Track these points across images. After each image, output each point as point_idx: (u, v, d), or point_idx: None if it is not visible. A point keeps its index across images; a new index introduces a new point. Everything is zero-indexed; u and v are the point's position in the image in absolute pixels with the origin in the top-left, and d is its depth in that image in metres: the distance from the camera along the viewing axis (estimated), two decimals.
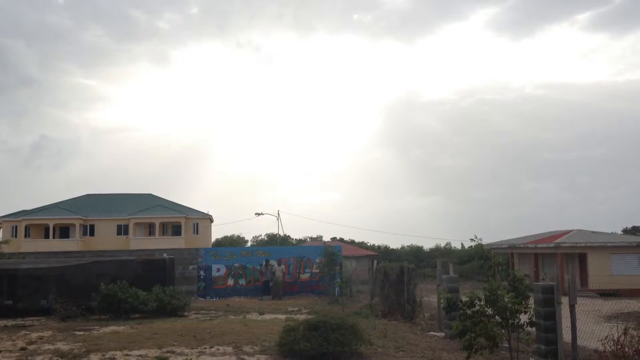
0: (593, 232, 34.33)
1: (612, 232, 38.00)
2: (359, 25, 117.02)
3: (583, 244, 30.87)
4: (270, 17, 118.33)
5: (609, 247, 30.86)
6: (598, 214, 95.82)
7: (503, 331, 8.42)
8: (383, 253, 60.87)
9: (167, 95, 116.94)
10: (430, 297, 18.60)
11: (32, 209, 53.02)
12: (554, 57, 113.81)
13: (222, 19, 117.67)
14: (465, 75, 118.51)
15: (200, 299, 25.66)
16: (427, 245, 70.35)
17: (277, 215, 54.47)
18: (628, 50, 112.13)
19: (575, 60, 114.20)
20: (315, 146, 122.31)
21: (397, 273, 18.42)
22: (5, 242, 36.78)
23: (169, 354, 10.91)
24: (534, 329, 9.01)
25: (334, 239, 68.71)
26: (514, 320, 8.33)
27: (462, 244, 64.22)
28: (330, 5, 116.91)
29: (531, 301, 8.79)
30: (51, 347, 12.12)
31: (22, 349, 11.88)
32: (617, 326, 8.73)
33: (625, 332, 8.00)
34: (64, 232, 52.62)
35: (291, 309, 20.76)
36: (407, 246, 69.03)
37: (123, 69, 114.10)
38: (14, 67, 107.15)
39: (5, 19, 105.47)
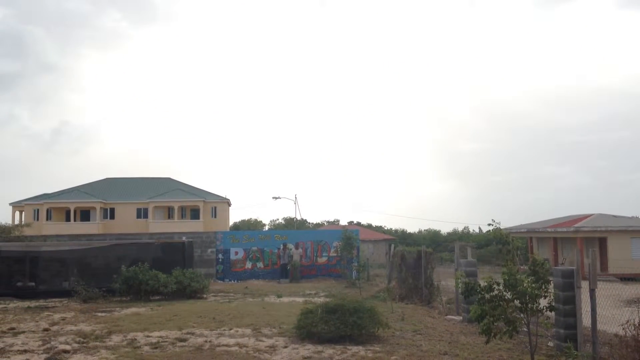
0: (614, 216, 33.91)
1: (633, 216, 37.49)
2: (384, 3, 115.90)
3: (603, 228, 30.54)
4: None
5: (630, 231, 30.49)
6: (619, 198, 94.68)
7: (522, 315, 8.38)
8: (400, 237, 60.86)
9: (186, 78, 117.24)
10: (448, 281, 18.57)
11: (54, 193, 53.72)
12: (575, 40, 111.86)
13: (239, 2, 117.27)
14: (485, 59, 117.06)
15: (219, 281, 25.92)
16: (445, 229, 70.20)
17: (294, 199, 54.64)
18: None
19: (598, 42, 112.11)
20: (333, 130, 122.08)
21: (414, 257, 18.41)
22: (27, 225, 37.47)
23: (189, 335, 11.05)
24: (553, 313, 8.96)
25: (351, 222, 68.81)
26: (533, 304, 8.28)
27: (480, 228, 63.95)
28: None
29: (551, 286, 8.72)
30: (74, 328, 12.34)
31: (45, 329, 12.11)
32: (638, 311, 8.64)
33: None
34: (84, 215, 53.36)
35: (309, 292, 20.88)
36: (424, 230, 68.98)
37: (141, 53, 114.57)
38: (35, 54, 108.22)
39: (25, 6, 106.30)
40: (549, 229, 33.54)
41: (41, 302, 17.78)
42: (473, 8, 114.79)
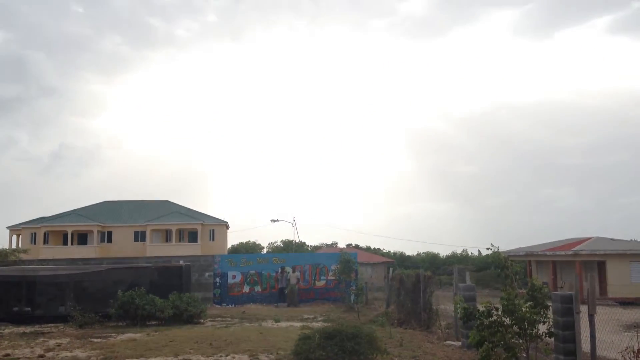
0: (612, 239, 33.84)
1: (631, 240, 37.44)
2: (375, 31, 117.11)
3: (602, 252, 30.43)
4: (283, 28, 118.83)
5: (629, 254, 30.39)
6: (617, 221, 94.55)
7: (521, 341, 8.32)
8: (399, 260, 60.64)
9: (185, 102, 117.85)
10: (446, 305, 18.47)
11: (51, 216, 53.62)
12: (573, 62, 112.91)
13: (237, 29, 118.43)
14: (482, 80, 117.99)
15: (216, 306, 25.74)
16: (444, 252, 69.90)
17: (292, 222, 54.56)
18: None
19: (594, 65, 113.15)
20: (331, 152, 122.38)
21: (413, 280, 18.31)
22: (24, 251, 37.35)
23: None
24: (552, 339, 8.91)
25: (349, 245, 68.58)
26: (532, 330, 8.23)
27: (479, 250, 63.77)
28: (345, 13, 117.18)
29: (550, 311, 8.68)
30: (69, 354, 12.22)
31: (40, 356, 12.00)
32: (638, 336, 8.59)
33: None
34: (82, 238, 53.16)
35: (307, 316, 20.74)
36: (423, 253, 68.70)
37: (141, 76, 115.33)
38: (35, 78, 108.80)
39: (26, 31, 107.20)
40: (547, 252, 33.44)
41: (37, 328, 17.63)
42: (468, 31, 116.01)
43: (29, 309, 19.72)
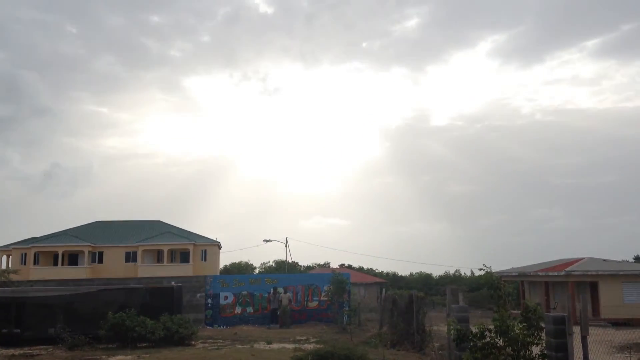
0: (604, 260, 33.93)
1: (623, 260, 37.54)
2: (367, 53, 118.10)
3: (594, 272, 30.49)
4: (277, 50, 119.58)
5: (621, 275, 30.46)
6: (608, 242, 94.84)
7: None
8: (392, 280, 60.47)
9: (177, 123, 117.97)
10: (440, 325, 18.38)
11: (42, 237, 53.14)
12: (563, 84, 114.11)
13: (230, 50, 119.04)
14: (474, 102, 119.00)
15: (208, 327, 25.52)
16: (436, 272, 69.78)
17: (285, 242, 54.37)
18: (637, 77, 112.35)
19: (585, 87, 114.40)
20: (323, 173, 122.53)
21: (406, 301, 18.25)
22: (14, 271, 36.99)
23: None
24: None
25: (342, 265, 68.35)
26: (525, 352, 8.21)
27: (471, 270, 63.72)
28: (338, 35, 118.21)
29: (543, 332, 8.67)
30: None
31: None
32: (630, 357, 8.60)
33: None
34: (72, 259, 52.63)
35: (299, 337, 20.59)
36: (416, 273, 68.61)
37: (134, 97, 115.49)
38: (28, 98, 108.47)
39: (19, 51, 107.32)
40: (540, 273, 33.46)
41: (26, 350, 17.41)
42: (466, 51, 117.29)
43: (18, 330, 19.48)
